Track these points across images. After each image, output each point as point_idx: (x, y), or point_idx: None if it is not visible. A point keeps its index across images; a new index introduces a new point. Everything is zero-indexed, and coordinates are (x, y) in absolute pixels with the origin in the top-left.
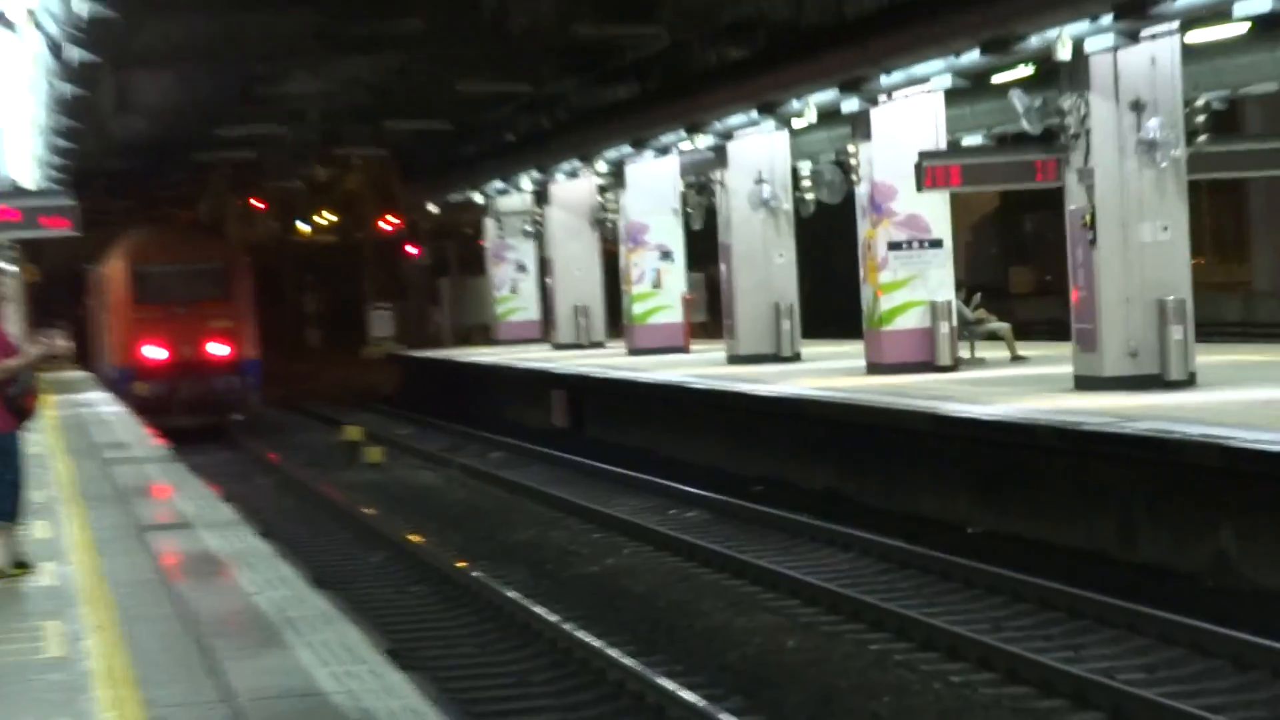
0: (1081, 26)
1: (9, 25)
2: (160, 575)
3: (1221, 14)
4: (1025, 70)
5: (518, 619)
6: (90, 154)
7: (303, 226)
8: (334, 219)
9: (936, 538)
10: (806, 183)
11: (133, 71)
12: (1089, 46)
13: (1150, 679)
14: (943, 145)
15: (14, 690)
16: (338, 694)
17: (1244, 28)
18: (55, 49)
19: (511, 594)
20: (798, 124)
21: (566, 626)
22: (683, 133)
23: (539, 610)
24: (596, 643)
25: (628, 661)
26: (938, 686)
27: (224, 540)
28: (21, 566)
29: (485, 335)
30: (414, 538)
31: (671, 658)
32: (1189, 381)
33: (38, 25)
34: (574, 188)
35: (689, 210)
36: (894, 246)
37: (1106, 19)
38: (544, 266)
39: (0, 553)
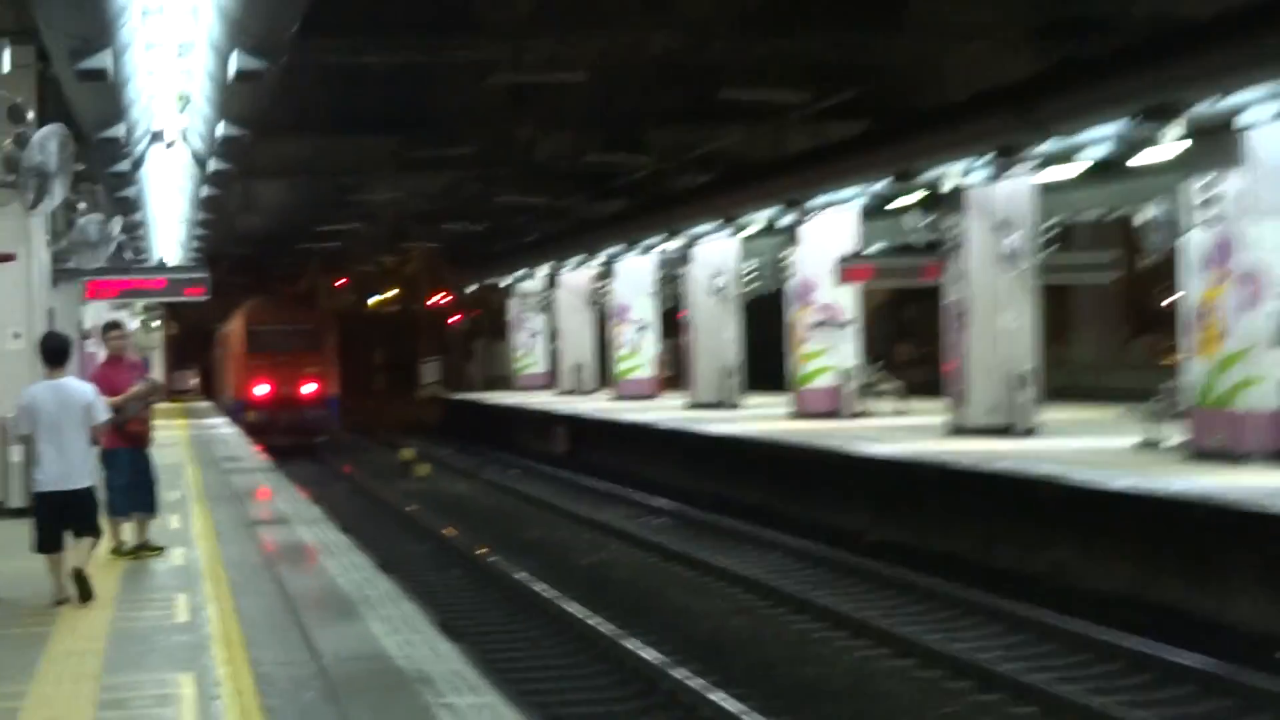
0: (964, 165)
1: (167, 142)
2: (264, 559)
3: (1066, 158)
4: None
5: (527, 596)
6: (220, 240)
7: (374, 299)
8: (398, 294)
9: (844, 543)
10: (751, 276)
11: (255, 180)
12: (967, 181)
13: (1006, 655)
14: (855, 251)
15: (153, 647)
16: (400, 658)
17: (1083, 168)
18: (200, 160)
19: (520, 576)
20: (747, 232)
21: (564, 604)
22: (661, 237)
23: (541, 589)
24: (588, 617)
25: (607, 629)
26: (847, 658)
27: (312, 533)
28: (154, 549)
29: (507, 384)
30: (450, 532)
31: (644, 629)
32: (1032, 431)
33: (186, 141)
34: (577, 276)
35: (662, 294)
36: (815, 326)
37: (986, 159)
38: (552, 333)
39: (132, 536)
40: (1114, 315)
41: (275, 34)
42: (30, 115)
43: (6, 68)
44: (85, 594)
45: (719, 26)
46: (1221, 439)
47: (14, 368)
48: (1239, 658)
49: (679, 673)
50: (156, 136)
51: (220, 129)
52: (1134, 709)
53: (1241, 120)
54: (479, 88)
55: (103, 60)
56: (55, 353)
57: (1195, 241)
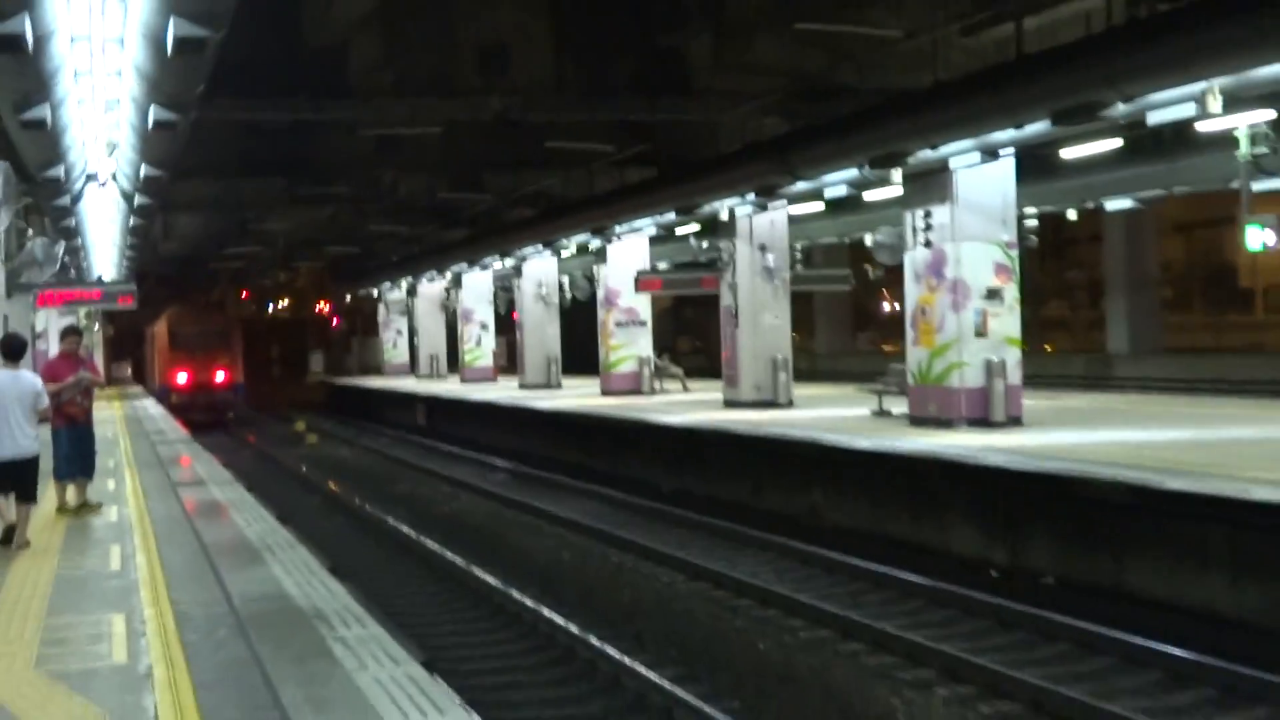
0: (734, 201)
1: (100, 182)
2: (184, 515)
3: (811, 196)
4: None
5: (395, 536)
6: (146, 260)
7: (271, 307)
8: (290, 302)
9: (646, 493)
10: (568, 287)
11: (172, 213)
12: (738, 212)
13: (779, 579)
14: (648, 267)
15: (89, 592)
16: (299, 597)
17: (819, 206)
18: (127, 196)
19: (391, 522)
20: (565, 253)
21: (425, 540)
22: (497, 257)
23: (407, 530)
24: (445, 553)
25: (460, 564)
26: (654, 583)
27: (223, 492)
28: (93, 507)
29: (378, 371)
30: (334, 488)
31: (492, 564)
32: (789, 404)
33: (116, 181)
34: (431, 287)
35: (498, 301)
36: (618, 325)
37: (750, 197)
38: (412, 331)
39: (73, 497)
40: (845, 316)
41: (185, 93)
42: None
43: None
44: (6, 541)
45: (543, 93)
46: (935, 409)
47: None
48: (957, 578)
49: (520, 595)
50: (91, 177)
51: (143, 170)
52: (880, 620)
53: (951, 164)
54: (352, 139)
55: (41, 112)
56: (13, 350)
57: (915, 258)
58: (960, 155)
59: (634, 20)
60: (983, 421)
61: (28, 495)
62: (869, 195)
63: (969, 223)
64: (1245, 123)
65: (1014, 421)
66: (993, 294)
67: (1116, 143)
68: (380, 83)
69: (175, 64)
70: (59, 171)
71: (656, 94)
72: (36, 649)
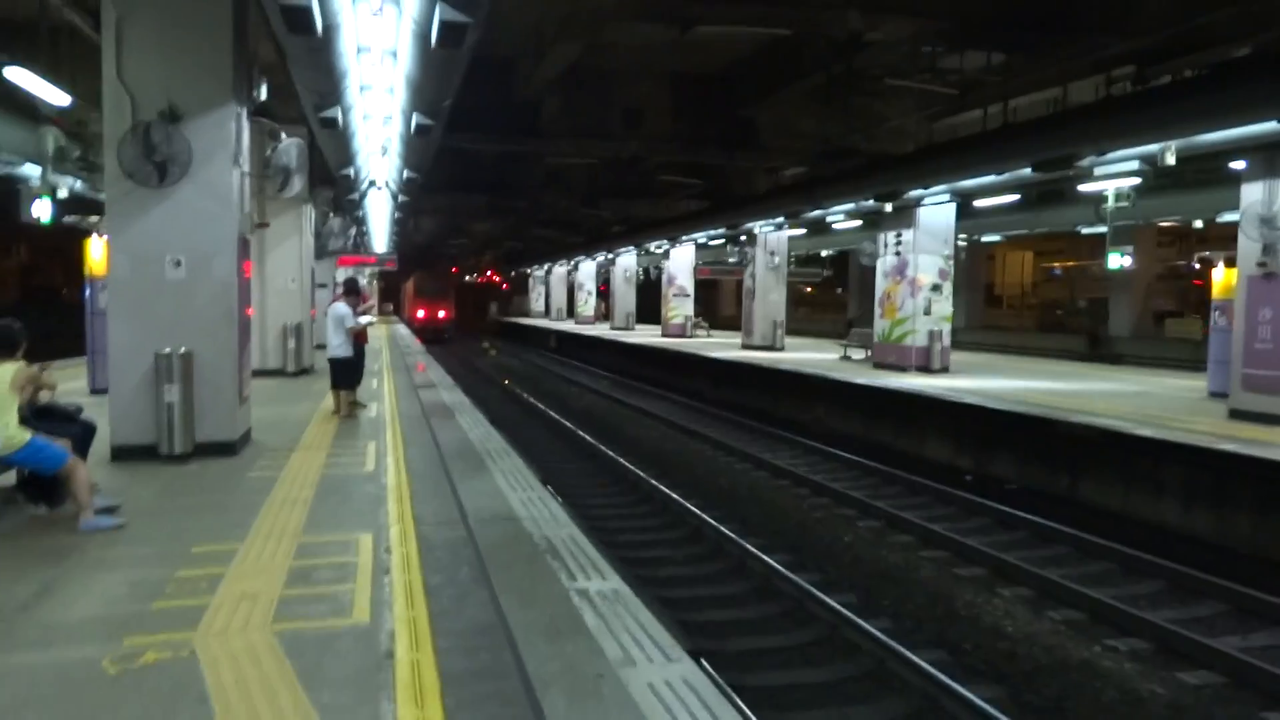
0: (762, 222)
1: (378, 186)
2: (423, 414)
3: (804, 225)
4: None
5: (541, 415)
6: (403, 245)
7: (471, 276)
8: (479, 277)
9: (698, 398)
10: (640, 271)
11: (418, 217)
12: (758, 230)
13: (792, 463)
14: (693, 264)
15: (345, 499)
16: (526, 521)
17: (802, 230)
18: (394, 196)
19: (539, 405)
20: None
21: (559, 420)
22: (603, 253)
23: (546, 409)
24: (566, 422)
25: (583, 433)
26: (701, 456)
27: (450, 395)
28: (360, 405)
29: (526, 315)
30: (506, 382)
31: (601, 433)
32: (783, 348)
33: (388, 185)
34: (559, 269)
35: (599, 277)
36: (674, 295)
37: (778, 220)
38: (547, 293)
39: (346, 400)
40: (822, 299)
41: (439, 98)
42: (284, 137)
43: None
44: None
45: (662, 142)
46: (894, 359)
47: (291, 300)
48: (932, 476)
49: (609, 449)
50: (372, 183)
51: (405, 173)
52: (875, 500)
53: (921, 201)
54: (531, 169)
55: (334, 113)
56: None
57: (886, 262)
58: (926, 197)
59: (724, 97)
60: (925, 369)
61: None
62: (841, 224)
63: (924, 241)
64: (1113, 185)
65: (944, 369)
66: (936, 288)
67: (1014, 197)
68: (559, 128)
69: (437, 61)
70: (350, 171)
71: (733, 148)
72: (280, 588)
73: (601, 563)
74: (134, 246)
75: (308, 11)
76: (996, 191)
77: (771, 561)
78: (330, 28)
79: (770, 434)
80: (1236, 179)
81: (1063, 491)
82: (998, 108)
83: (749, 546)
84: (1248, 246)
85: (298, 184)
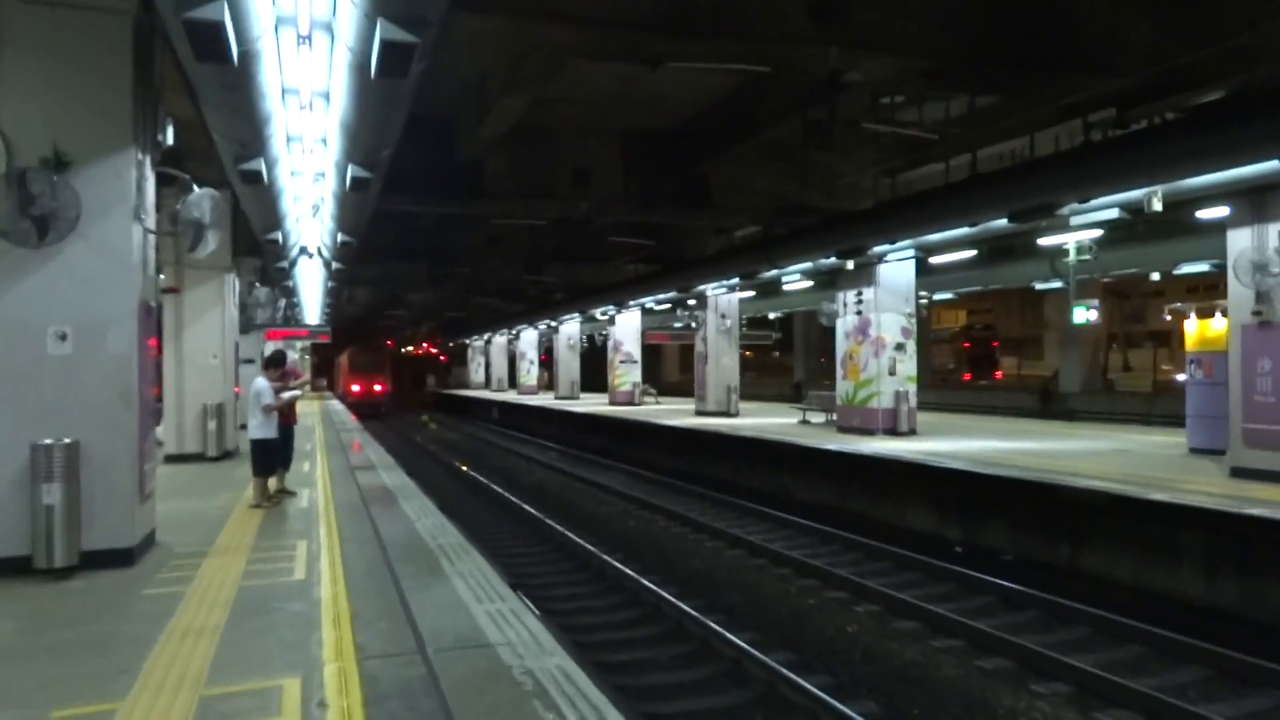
0: (712, 286)
1: (309, 253)
2: (364, 499)
3: (753, 287)
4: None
5: (490, 493)
6: (337, 314)
7: (406, 348)
8: (416, 345)
9: (653, 469)
10: (584, 339)
11: (354, 286)
12: (709, 293)
13: (768, 539)
14: (640, 329)
15: (267, 628)
16: (507, 655)
17: (752, 293)
18: (327, 265)
19: (483, 478)
20: (596, 318)
21: (505, 493)
22: (545, 321)
23: (503, 490)
24: (522, 502)
25: (531, 509)
26: (661, 530)
27: (391, 476)
28: (289, 492)
29: (465, 387)
30: (449, 459)
31: (549, 508)
32: (737, 414)
33: (320, 253)
34: (500, 339)
35: (540, 345)
36: (621, 362)
37: (731, 282)
38: (487, 364)
39: (272, 488)
40: (766, 363)
41: (379, 146)
42: (196, 189)
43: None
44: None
45: (614, 202)
46: (859, 422)
47: (212, 377)
48: (919, 548)
49: (569, 530)
50: (303, 250)
51: (339, 237)
52: (865, 579)
53: (883, 258)
54: (472, 234)
55: (257, 165)
56: (271, 361)
57: (847, 322)
58: (888, 254)
59: (677, 154)
60: (892, 431)
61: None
62: (788, 287)
63: (886, 299)
64: (1074, 239)
65: (912, 431)
66: (899, 347)
67: (971, 253)
68: (504, 188)
69: (377, 98)
70: (278, 236)
71: (687, 207)
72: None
73: (608, 709)
74: (7, 316)
75: (218, 30)
76: (960, 246)
77: (772, 663)
78: (247, 56)
79: (737, 506)
80: (1192, 229)
81: (1064, 562)
82: (960, 160)
83: (743, 644)
84: (1239, 295)
85: (212, 241)
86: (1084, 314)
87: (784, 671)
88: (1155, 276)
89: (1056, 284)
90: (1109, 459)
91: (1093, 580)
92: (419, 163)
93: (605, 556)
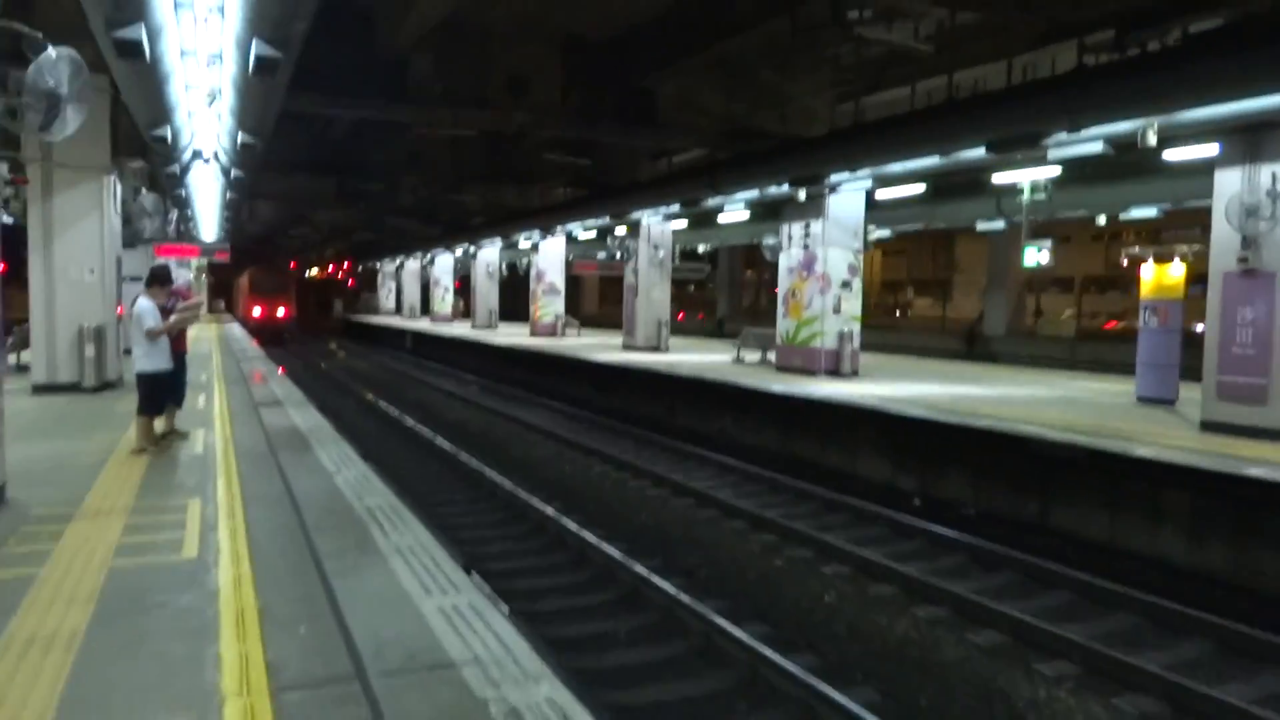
0: (649, 213)
1: (205, 159)
2: (271, 444)
3: (688, 216)
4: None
5: (410, 432)
6: (236, 236)
7: (312, 270)
8: (323, 267)
9: (580, 406)
10: (504, 267)
11: (255, 202)
12: (644, 220)
13: (714, 486)
14: (564, 258)
15: (157, 615)
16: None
17: (684, 223)
18: (226, 173)
19: (373, 398)
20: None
21: (427, 431)
22: (464, 245)
23: (425, 429)
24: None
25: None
26: (580, 466)
27: (301, 414)
28: (181, 434)
29: (375, 313)
30: (347, 383)
31: (456, 436)
32: (667, 349)
33: (218, 158)
34: (413, 263)
35: (456, 271)
36: (544, 292)
37: (670, 210)
38: (399, 289)
39: (159, 430)
40: (691, 298)
41: (286, 22)
42: (51, 50)
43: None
44: None
45: (552, 114)
46: (800, 362)
47: (90, 295)
48: (875, 498)
49: (503, 477)
50: (197, 154)
51: (240, 138)
52: (825, 533)
53: (829, 191)
54: (390, 149)
55: (136, 33)
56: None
57: (791, 256)
58: (842, 184)
59: (622, 65)
60: (835, 372)
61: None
62: (723, 219)
63: (834, 234)
64: (1028, 176)
65: (854, 373)
66: (845, 284)
67: (920, 188)
68: (431, 93)
69: None
70: (166, 133)
71: (631, 124)
72: None
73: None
74: None
75: None
76: (921, 179)
77: (751, 642)
78: None
79: (677, 450)
80: (1142, 171)
81: (1032, 518)
82: (928, 84)
83: (715, 619)
84: (1224, 240)
85: (72, 120)
86: (1035, 255)
87: (766, 653)
88: (1098, 219)
89: (999, 224)
90: (1062, 407)
91: (1065, 538)
92: (333, 58)
93: (544, 508)
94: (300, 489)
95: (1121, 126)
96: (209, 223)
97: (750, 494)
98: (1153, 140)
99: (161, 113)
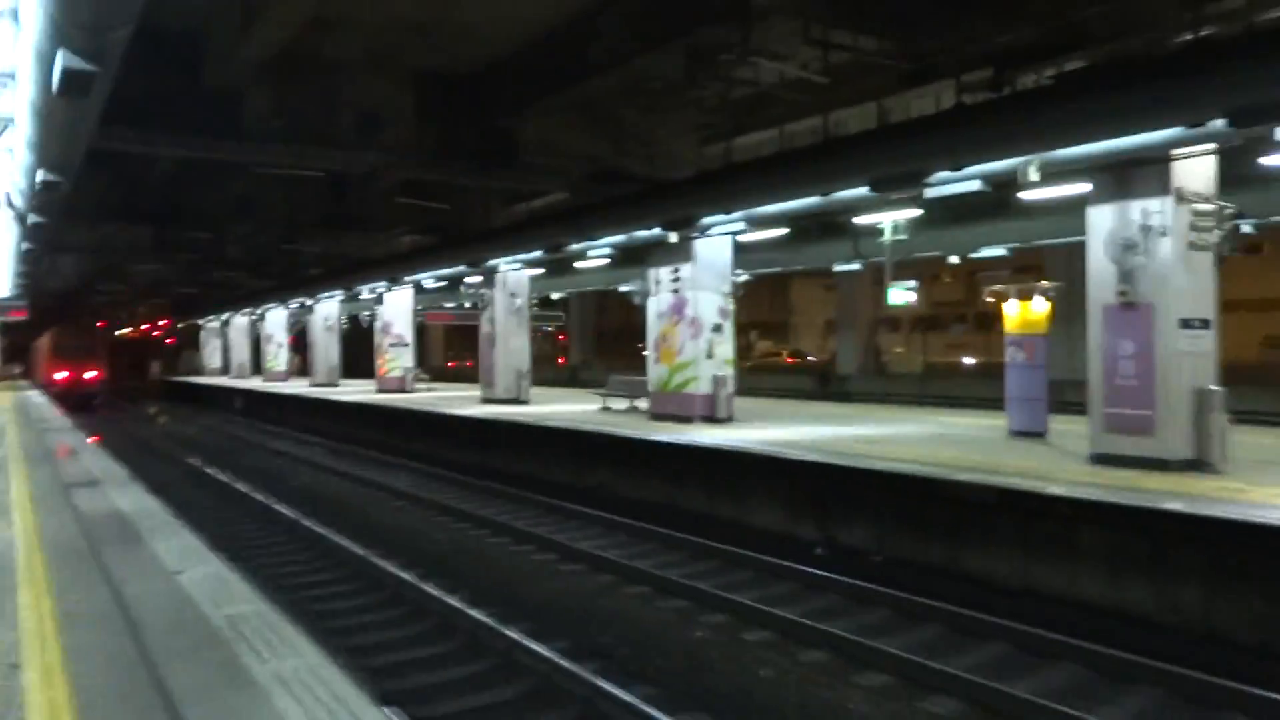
0: (505, 260)
1: None
2: (89, 538)
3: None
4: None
5: (214, 479)
6: (35, 294)
7: (124, 330)
8: (137, 325)
9: (440, 465)
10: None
11: (56, 255)
12: (501, 268)
13: (602, 546)
14: (412, 309)
15: None
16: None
17: (541, 270)
18: (21, 219)
19: (208, 469)
20: (364, 296)
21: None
22: (298, 300)
23: (269, 500)
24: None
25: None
26: (453, 535)
27: (125, 494)
28: None
29: (198, 373)
30: (174, 451)
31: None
32: (528, 401)
33: (10, 204)
34: (241, 319)
35: (290, 327)
36: (391, 345)
37: (530, 256)
38: (225, 348)
39: None
40: (542, 348)
41: (102, 25)
42: None
43: None
44: None
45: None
46: (675, 409)
47: None
48: (776, 550)
49: (371, 553)
50: None
51: (39, 175)
52: (734, 594)
53: (698, 234)
54: (218, 196)
55: None
56: None
57: (661, 301)
58: (716, 228)
59: (480, 105)
60: (710, 418)
61: None
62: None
63: (704, 278)
64: (889, 218)
65: (730, 419)
66: (717, 328)
67: (784, 231)
68: (270, 129)
69: None
70: None
71: (490, 164)
72: None
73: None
74: None
75: None
76: (792, 221)
77: None
78: None
79: (555, 508)
80: (995, 213)
81: (941, 561)
82: (796, 126)
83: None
84: (1101, 274)
85: None
86: (901, 295)
87: None
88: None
89: (857, 265)
90: (942, 444)
91: (977, 582)
92: (156, 89)
93: (424, 586)
94: (135, 598)
95: (1000, 164)
96: (1, 276)
97: (645, 555)
98: (1035, 176)
99: None
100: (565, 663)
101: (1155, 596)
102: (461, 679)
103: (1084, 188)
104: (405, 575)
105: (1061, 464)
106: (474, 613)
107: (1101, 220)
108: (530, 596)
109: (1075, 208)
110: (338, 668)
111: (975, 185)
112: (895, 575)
